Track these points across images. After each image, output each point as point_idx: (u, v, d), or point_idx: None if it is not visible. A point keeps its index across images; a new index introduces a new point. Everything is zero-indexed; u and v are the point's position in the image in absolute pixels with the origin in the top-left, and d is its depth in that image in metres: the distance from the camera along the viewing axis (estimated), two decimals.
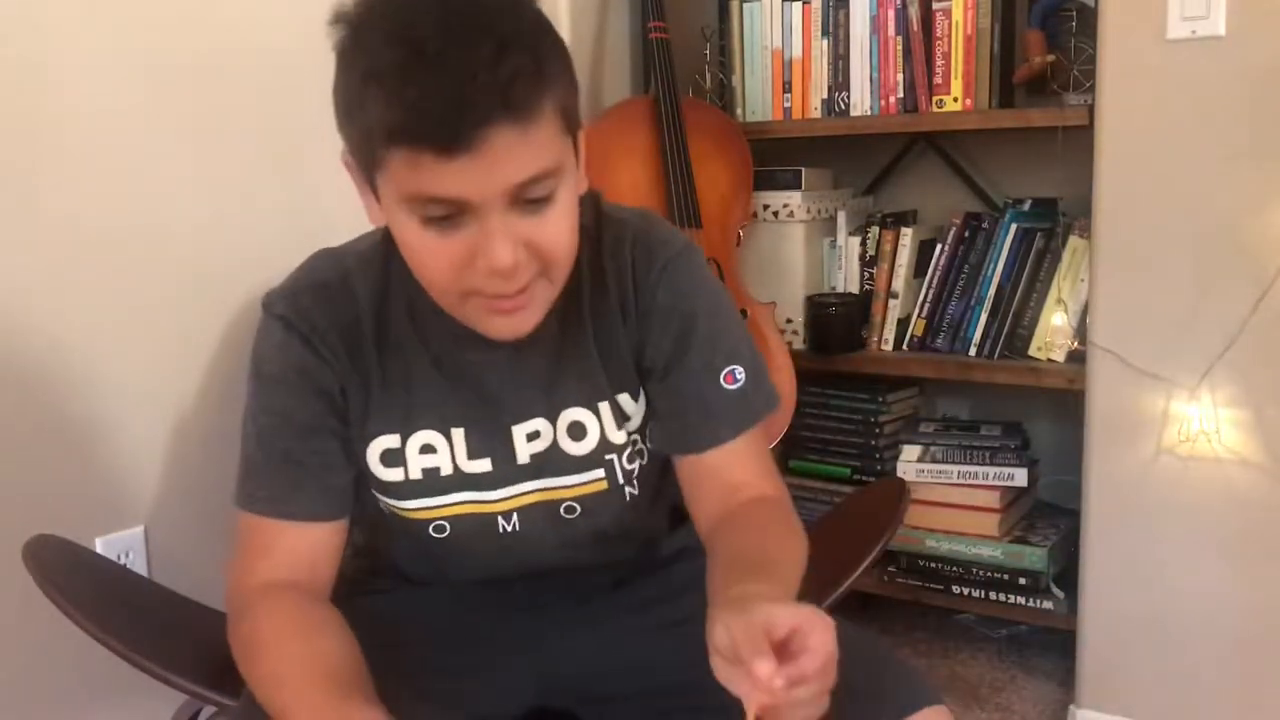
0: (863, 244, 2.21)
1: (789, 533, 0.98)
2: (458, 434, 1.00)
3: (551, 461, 1.01)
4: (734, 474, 1.01)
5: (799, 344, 2.19)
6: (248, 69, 1.63)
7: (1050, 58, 1.95)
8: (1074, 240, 1.95)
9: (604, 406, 1.01)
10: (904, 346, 2.14)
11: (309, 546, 0.99)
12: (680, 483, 1.04)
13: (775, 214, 2.19)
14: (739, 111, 2.23)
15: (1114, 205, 1.71)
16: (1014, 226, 2.03)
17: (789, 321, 2.20)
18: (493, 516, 1.03)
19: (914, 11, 2.02)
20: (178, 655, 1.11)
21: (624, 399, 1.02)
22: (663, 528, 1.16)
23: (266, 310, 1.01)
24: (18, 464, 1.38)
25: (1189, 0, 1.59)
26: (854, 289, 2.21)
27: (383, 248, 1.00)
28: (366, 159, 0.85)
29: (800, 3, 2.13)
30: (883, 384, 2.20)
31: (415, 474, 1.00)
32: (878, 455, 2.19)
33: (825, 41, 2.13)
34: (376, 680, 0.89)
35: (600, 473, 1.03)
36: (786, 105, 2.18)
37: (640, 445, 1.05)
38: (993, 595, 2.04)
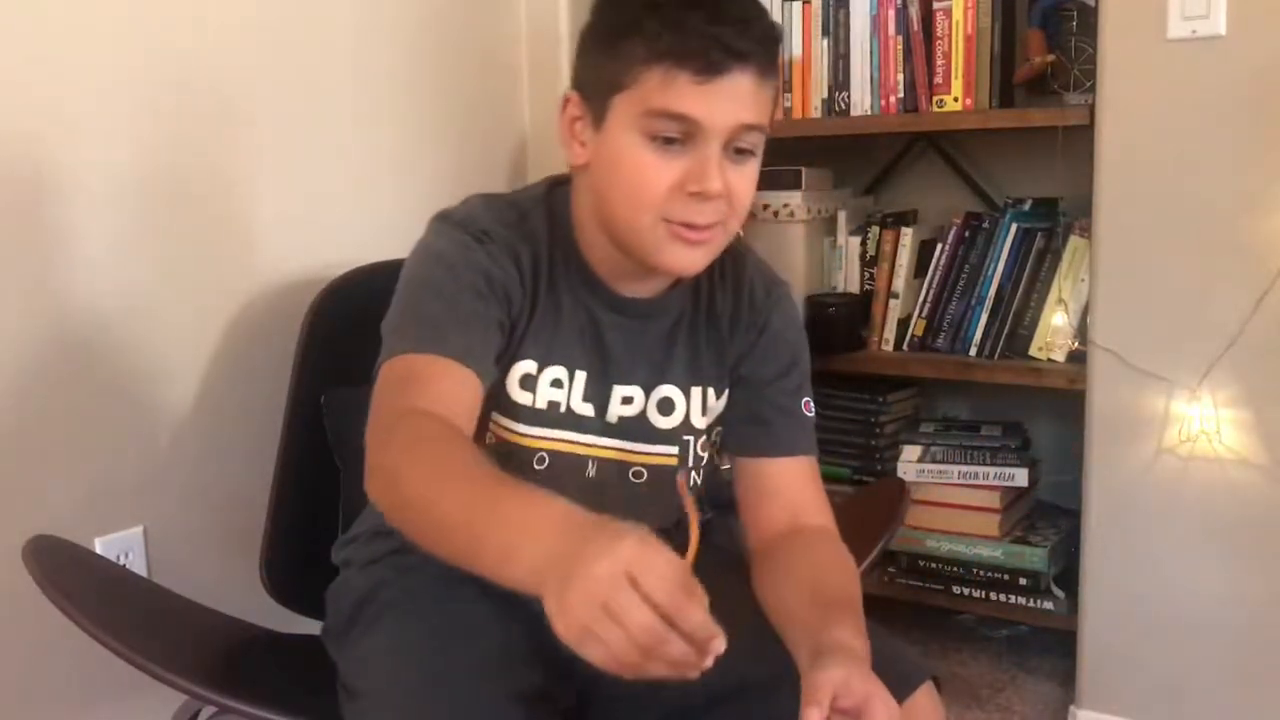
0: (863, 244, 2.20)
1: (854, 572, 1.09)
2: (580, 376, 1.09)
3: (636, 429, 1.12)
4: (801, 493, 1.13)
5: None
6: (249, 66, 1.63)
7: (1050, 57, 1.95)
8: (1074, 240, 1.95)
9: (695, 391, 1.13)
10: (904, 346, 2.14)
11: (467, 395, 0.99)
12: (742, 490, 1.15)
13: (775, 214, 2.19)
14: None
15: (1114, 205, 1.71)
16: (1014, 226, 2.03)
17: None
18: (584, 459, 1.11)
19: (914, 11, 2.02)
20: (178, 655, 1.11)
21: (710, 393, 1.14)
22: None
23: (460, 227, 1.05)
24: (18, 464, 1.38)
25: (1189, 0, 1.59)
26: (854, 289, 2.21)
27: (546, 202, 1.09)
28: (611, 82, 0.97)
29: (800, 2, 2.13)
30: (883, 384, 2.20)
31: (541, 403, 1.08)
32: (878, 455, 2.19)
33: (825, 41, 2.12)
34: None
35: (674, 449, 1.13)
36: (787, 105, 2.17)
37: (712, 438, 1.16)
38: (993, 595, 2.04)
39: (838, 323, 2.14)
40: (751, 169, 1.01)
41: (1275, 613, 1.66)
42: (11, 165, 1.36)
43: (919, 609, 2.15)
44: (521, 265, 1.05)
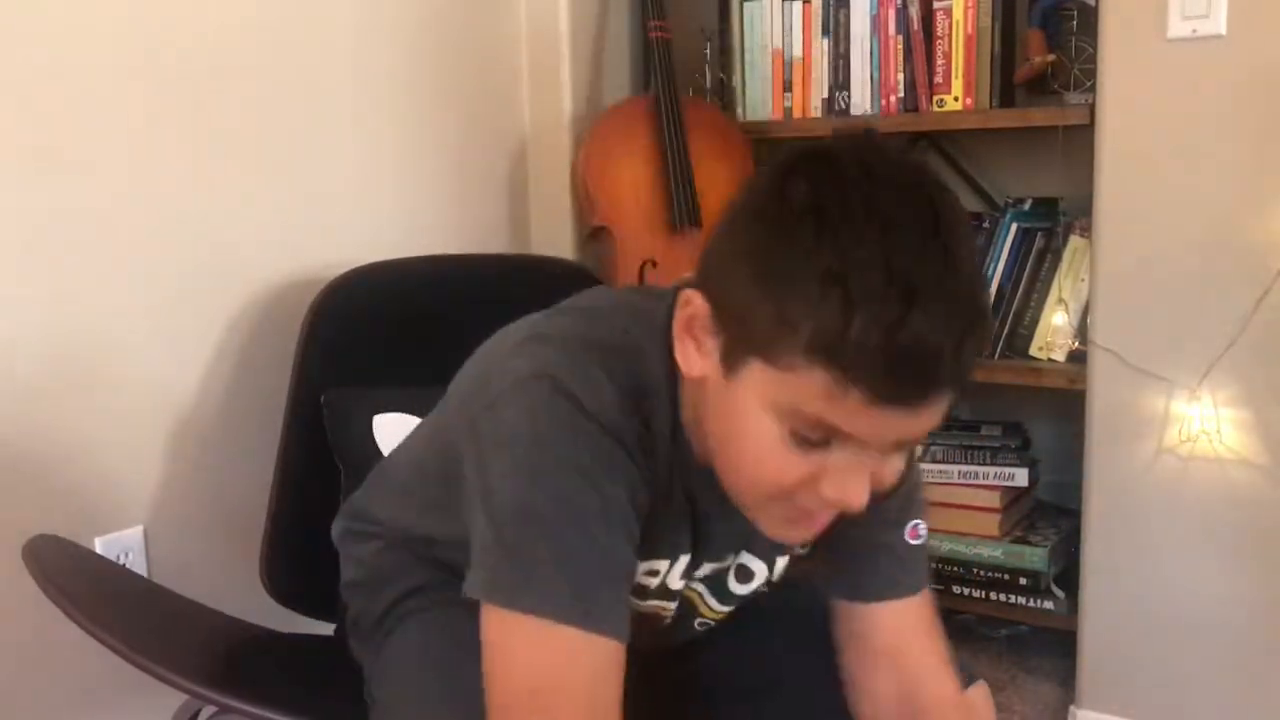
0: None
1: None
2: (681, 561, 0.96)
3: (713, 585, 1.00)
4: (910, 651, 0.98)
5: None
6: (249, 66, 1.63)
7: (1051, 57, 1.95)
8: (1074, 240, 1.95)
9: (781, 560, 1.02)
10: None
11: (614, 684, 0.81)
12: (843, 637, 1.00)
13: None
14: (739, 111, 2.23)
15: (1114, 205, 1.71)
16: (1014, 226, 2.03)
17: None
18: (662, 616, 1.01)
19: (914, 11, 2.02)
20: (178, 655, 1.11)
21: (780, 559, 1.03)
22: None
23: (592, 417, 0.82)
24: (18, 464, 1.38)
25: (1189, 0, 1.59)
26: None
27: (669, 383, 0.87)
28: (756, 340, 0.75)
29: (800, 2, 2.13)
30: None
31: (672, 585, 0.98)
32: None
33: (825, 41, 2.12)
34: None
35: (741, 605, 1.04)
36: (787, 105, 2.17)
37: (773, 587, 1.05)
38: (993, 595, 2.04)
39: None
40: (904, 459, 0.83)
41: (1275, 613, 1.66)
42: (12, 166, 1.36)
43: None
44: (654, 469, 0.87)
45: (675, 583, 0.97)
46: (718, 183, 2.11)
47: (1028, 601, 2.01)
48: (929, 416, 0.75)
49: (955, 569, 2.07)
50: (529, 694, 0.78)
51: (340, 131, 1.78)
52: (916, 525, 0.99)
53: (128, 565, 1.49)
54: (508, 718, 0.78)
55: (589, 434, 0.81)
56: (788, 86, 2.17)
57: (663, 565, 0.95)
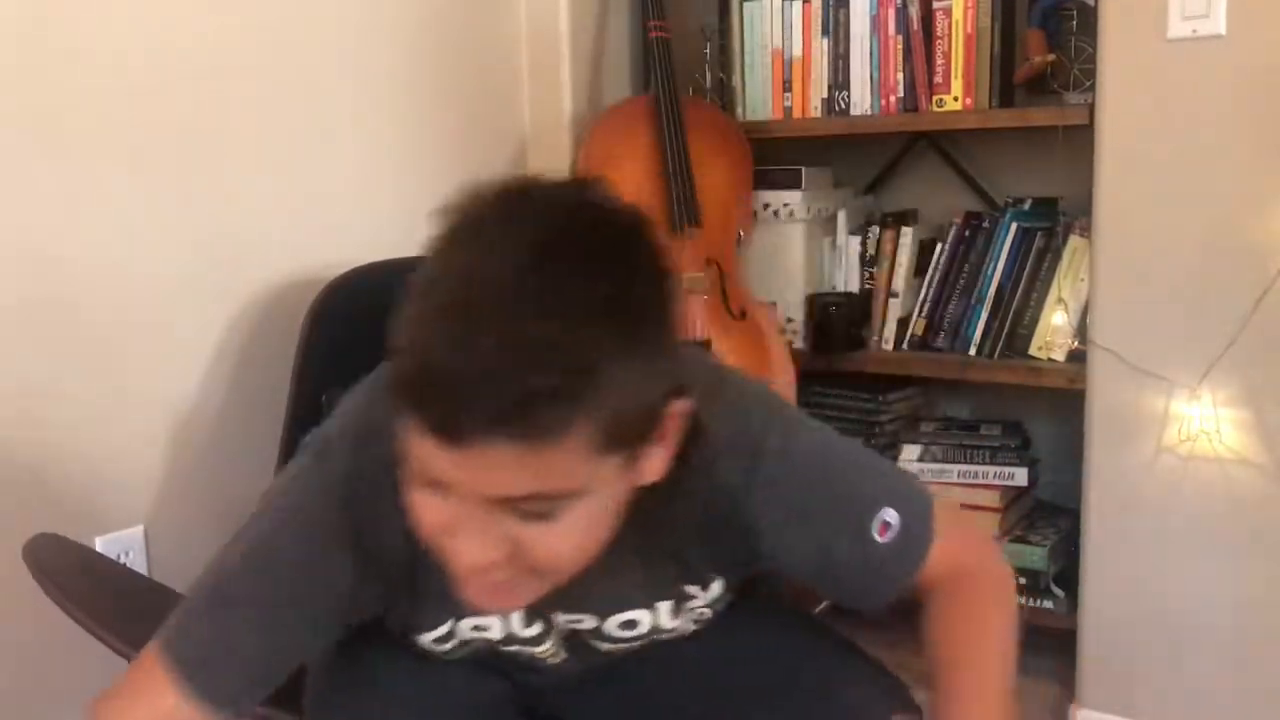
0: (863, 243, 2.20)
1: (986, 617, 0.97)
2: (513, 615, 0.94)
3: (595, 635, 0.97)
4: (929, 583, 0.97)
5: (799, 343, 2.19)
6: (249, 66, 1.63)
7: (1050, 57, 1.95)
8: (1074, 240, 1.95)
9: (663, 605, 0.95)
10: (904, 346, 2.14)
11: None
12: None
13: (775, 214, 2.19)
14: (739, 111, 2.23)
15: (1114, 205, 1.71)
16: (1014, 226, 2.03)
17: (789, 321, 2.20)
18: (541, 657, 1.00)
19: (914, 11, 2.02)
20: None
21: (693, 589, 0.95)
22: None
23: (326, 480, 0.86)
24: (18, 464, 1.38)
25: (1189, 0, 1.59)
26: (854, 288, 2.21)
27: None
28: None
29: (800, 2, 2.13)
30: (883, 383, 2.20)
31: (465, 638, 0.95)
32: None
33: (825, 41, 2.12)
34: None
35: (641, 643, 0.99)
36: (786, 105, 2.17)
37: (699, 617, 0.99)
38: None
39: (837, 322, 2.14)
40: (559, 529, 0.73)
41: (1275, 613, 1.66)
42: (12, 166, 1.36)
43: (919, 608, 2.14)
44: (381, 556, 0.87)
45: (522, 631, 0.94)
46: (718, 183, 2.11)
47: (1027, 601, 2.01)
48: (505, 467, 0.68)
49: None
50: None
51: (340, 131, 1.78)
52: (883, 523, 0.91)
53: (128, 564, 1.49)
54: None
55: (316, 522, 0.85)
56: (788, 86, 2.17)
57: (491, 621, 0.93)
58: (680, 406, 0.77)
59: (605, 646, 0.98)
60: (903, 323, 2.14)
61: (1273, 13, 1.55)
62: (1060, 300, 1.95)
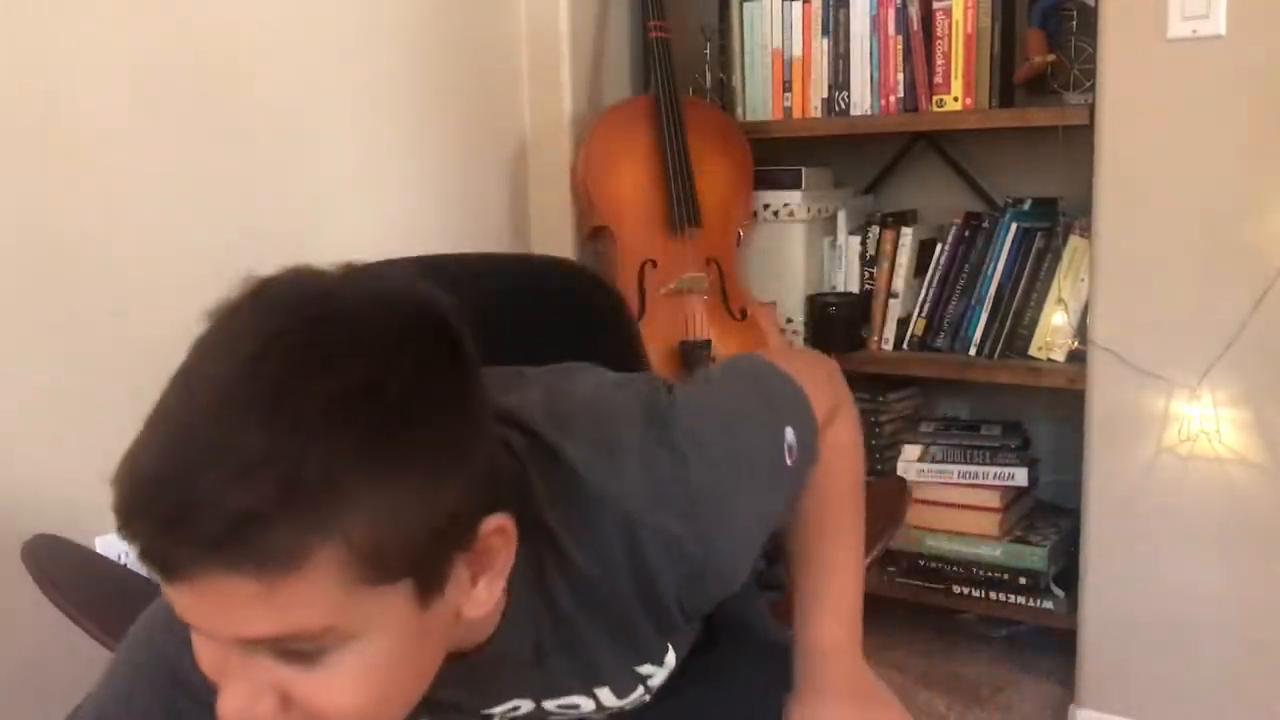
0: (863, 244, 2.20)
1: (843, 511, 0.99)
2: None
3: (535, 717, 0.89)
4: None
5: (799, 343, 2.19)
6: (249, 66, 1.63)
7: (1050, 57, 1.95)
8: (1074, 240, 1.95)
9: (602, 690, 0.86)
10: (904, 346, 2.14)
11: None
12: None
13: (775, 214, 2.19)
14: (739, 111, 2.23)
15: (1114, 205, 1.71)
16: (1014, 226, 2.03)
17: (789, 321, 2.20)
18: None
19: (914, 11, 2.02)
20: None
21: (644, 668, 0.86)
22: None
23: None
24: (18, 464, 1.38)
25: (1189, 0, 1.59)
26: (854, 288, 2.21)
27: None
28: None
29: (800, 2, 2.13)
30: (883, 383, 2.20)
31: None
32: (878, 455, 2.19)
33: (825, 41, 2.12)
34: None
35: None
36: (786, 105, 2.17)
37: (655, 686, 0.90)
38: (993, 595, 2.04)
39: (837, 322, 2.14)
40: (338, 674, 0.61)
41: (1275, 613, 1.66)
42: (12, 165, 1.36)
43: (919, 608, 2.15)
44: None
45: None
46: (718, 183, 2.11)
47: (1027, 601, 2.01)
48: (238, 602, 0.57)
49: (955, 569, 2.07)
50: None
51: (340, 131, 1.78)
52: (789, 448, 0.86)
53: (127, 564, 1.49)
54: None
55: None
56: (787, 86, 2.17)
57: None
58: (496, 524, 0.66)
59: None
60: (903, 323, 2.14)
61: (1273, 13, 1.55)
62: (1060, 300, 1.95)
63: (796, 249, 2.19)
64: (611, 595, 0.78)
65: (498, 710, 0.86)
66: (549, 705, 0.86)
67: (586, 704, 0.87)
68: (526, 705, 0.86)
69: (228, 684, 0.62)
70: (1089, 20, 1.83)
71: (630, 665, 0.85)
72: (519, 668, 0.80)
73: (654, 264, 2.05)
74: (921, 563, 2.09)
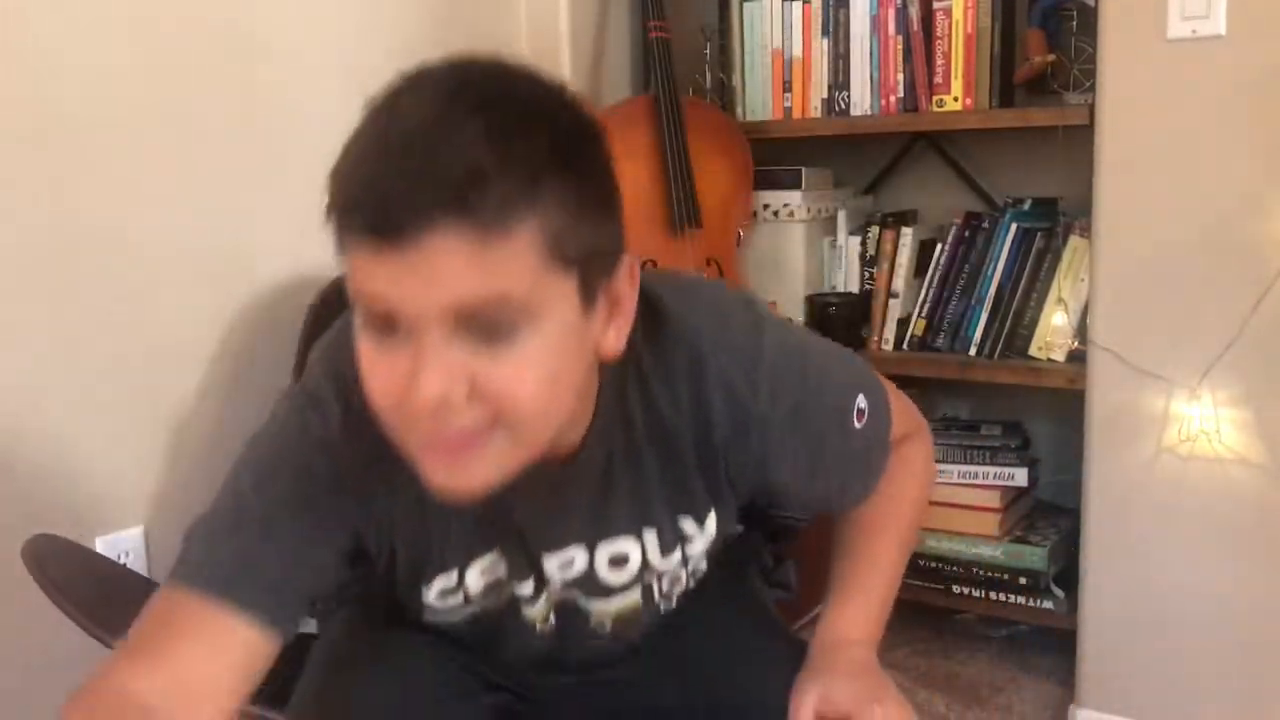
0: (863, 244, 2.20)
1: (897, 501, 1.06)
2: (498, 561, 0.92)
3: (586, 584, 0.94)
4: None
5: None
6: (249, 66, 1.63)
7: (1051, 57, 1.95)
8: (1074, 240, 1.95)
9: (649, 534, 0.92)
10: (904, 346, 2.14)
11: (232, 661, 0.80)
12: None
13: (775, 214, 2.19)
14: (739, 111, 2.23)
15: (1114, 205, 1.71)
16: (1014, 226, 2.03)
17: (789, 321, 2.20)
18: (531, 622, 0.98)
19: (914, 11, 2.02)
20: None
21: (686, 522, 0.93)
22: None
23: (306, 422, 0.85)
24: (18, 464, 1.38)
25: (1189, 0, 1.59)
26: (854, 289, 2.21)
27: None
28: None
29: (800, 2, 2.13)
30: None
31: (473, 589, 0.93)
32: None
33: (825, 41, 2.12)
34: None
35: (635, 595, 0.96)
36: (786, 105, 2.18)
37: (690, 568, 0.98)
38: (993, 595, 2.04)
39: (837, 322, 2.14)
40: (517, 355, 0.70)
41: (1275, 613, 1.66)
42: (12, 165, 1.36)
43: (919, 609, 2.15)
44: (373, 493, 0.87)
45: (518, 588, 0.93)
46: (718, 183, 2.11)
47: (1027, 601, 2.01)
48: (455, 262, 0.66)
49: (955, 569, 2.07)
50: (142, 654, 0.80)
51: (340, 132, 1.78)
52: (859, 410, 0.94)
53: (128, 565, 1.49)
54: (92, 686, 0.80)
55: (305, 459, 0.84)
56: (787, 86, 2.17)
57: (496, 561, 0.91)
58: (629, 263, 0.77)
59: (595, 609, 0.96)
60: (903, 323, 2.14)
61: (1273, 13, 1.55)
62: (1060, 300, 1.95)
63: (796, 249, 2.20)
64: (675, 435, 0.87)
65: (555, 560, 0.92)
66: (601, 556, 0.92)
67: (634, 554, 0.92)
68: (581, 558, 0.92)
69: (422, 373, 0.68)
70: (1089, 20, 1.83)
71: (677, 513, 0.92)
72: (587, 490, 0.88)
73: (654, 264, 2.05)
74: (921, 562, 2.09)
